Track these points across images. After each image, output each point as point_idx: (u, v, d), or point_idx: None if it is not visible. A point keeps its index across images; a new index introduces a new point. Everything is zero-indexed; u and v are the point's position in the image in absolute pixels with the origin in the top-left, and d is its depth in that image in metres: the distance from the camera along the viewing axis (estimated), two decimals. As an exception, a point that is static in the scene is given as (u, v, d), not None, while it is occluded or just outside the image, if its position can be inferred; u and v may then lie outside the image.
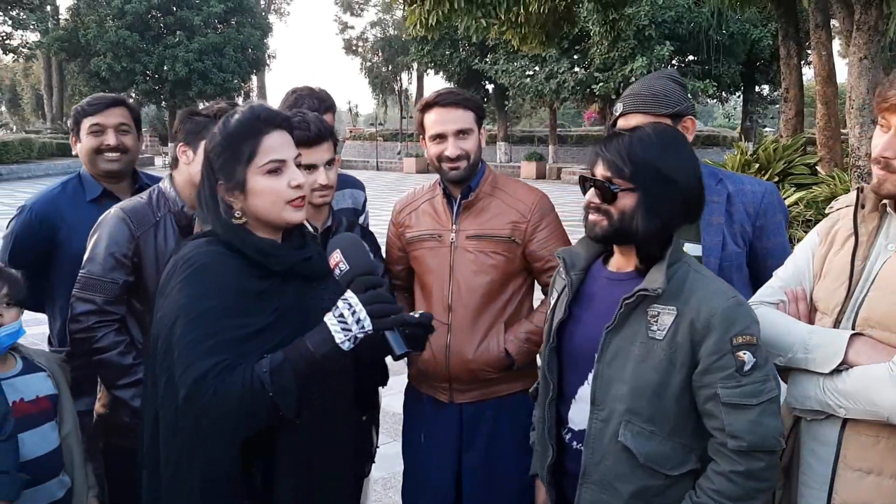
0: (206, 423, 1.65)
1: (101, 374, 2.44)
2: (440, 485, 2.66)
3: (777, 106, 30.28)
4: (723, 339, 1.72)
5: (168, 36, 37.07)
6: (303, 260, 1.85)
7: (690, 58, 29.89)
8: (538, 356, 2.12)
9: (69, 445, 2.40)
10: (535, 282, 2.75)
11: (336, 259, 1.79)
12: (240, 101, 46.66)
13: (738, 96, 37.91)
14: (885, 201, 1.81)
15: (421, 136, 2.73)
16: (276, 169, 1.79)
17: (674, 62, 28.43)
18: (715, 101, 33.23)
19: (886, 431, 1.70)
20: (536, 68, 29.06)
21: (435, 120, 2.62)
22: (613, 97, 26.00)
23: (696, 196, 1.88)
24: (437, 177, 2.77)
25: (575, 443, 1.95)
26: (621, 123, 2.39)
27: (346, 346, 1.69)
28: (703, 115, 67.06)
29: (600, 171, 1.86)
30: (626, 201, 1.82)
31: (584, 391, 1.92)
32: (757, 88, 34.48)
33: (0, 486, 2.04)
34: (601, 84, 25.94)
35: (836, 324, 1.82)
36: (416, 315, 1.88)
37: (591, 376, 1.88)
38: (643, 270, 1.86)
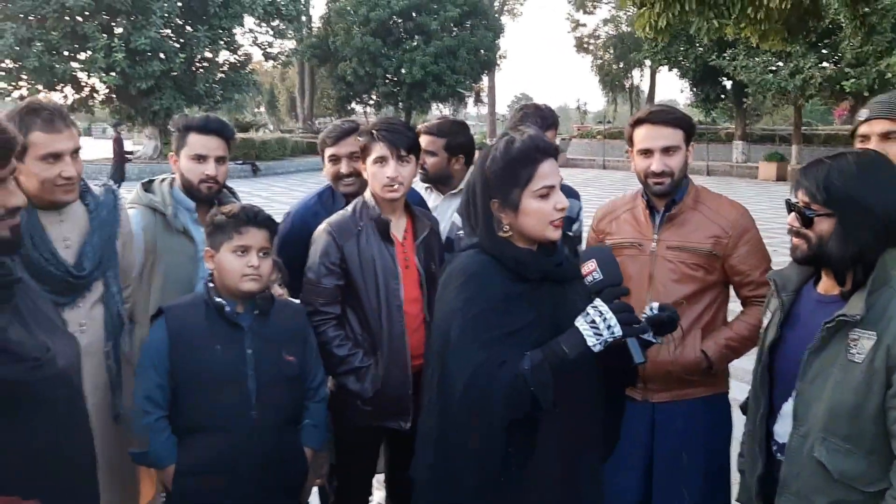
0: (479, 410, 1.92)
1: (325, 362, 2.79)
2: (629, 482, 2.77)
3: None
4: None
5: (407, 41, 39.05)
6: (555, 266, 2.08)
7: (961, 50, 26.69)
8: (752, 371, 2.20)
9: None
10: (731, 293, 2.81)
11: (591, 268, 1.98)
12: (470, 101, 48.16)
13: None
14: None
15: (629, 149, 2.86)
16: (546, 194, 2.02)
17: (941, 55, 25.52)
18: None
19: None
20: (780, 63, 27.30)
21: (644, 135, 2.75)
22: (866, 94, 23.84)
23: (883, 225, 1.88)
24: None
25: (780, 454, 2.04)
26: (864, 129, 2.44)
27: (596, 349, 1.90)
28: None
29: (800, 196, 1.95)
30: (823, 226, 1.90)
31: (788, 407, 2.00)
32: None
33: (318, 437, 2.67)
34: (853, 80, 23.87)
35: None
36: (656, 311, 2.09)
37: (794, 394, 1.96)
38: (847, 294, 1.91)
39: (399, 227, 2.89)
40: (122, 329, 2.68)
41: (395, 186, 2.77)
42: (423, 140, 3.38)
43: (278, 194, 20.52)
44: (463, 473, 1.99)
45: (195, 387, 2.42)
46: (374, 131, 2.78)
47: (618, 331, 1.89)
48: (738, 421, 2.45)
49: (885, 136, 2.39)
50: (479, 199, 2.07)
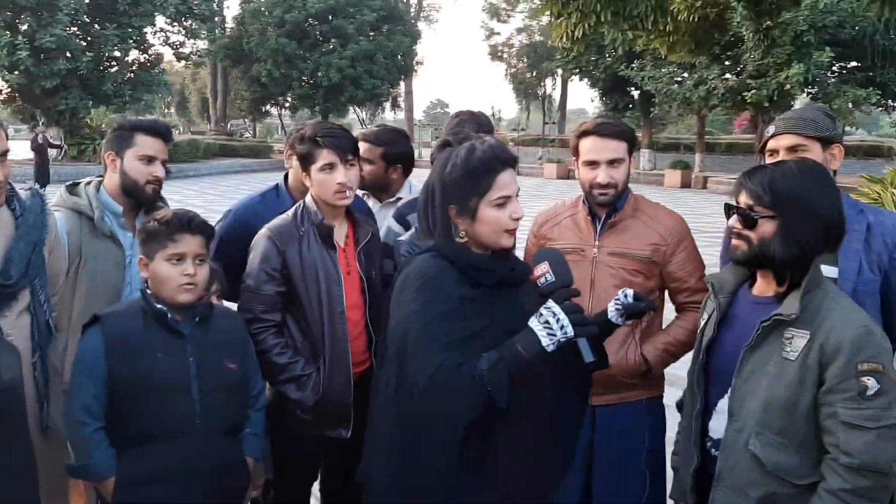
0: (438, 412, 1.95)
1: (264, 371, 2.75)
2: (570, 485, 2.79)
3: (950, 115, 28.17)
4: (849, 363, 1.86)
5: (323, 44, 38.76)
6: (509, 271, 2.13)
7: (853, 64, 28.19)
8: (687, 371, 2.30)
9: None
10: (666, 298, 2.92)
11: (543, 269, 2.04)
12: (388, 106, 48.13)
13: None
14: None
15: (574, 159, 2.93)
16: (503, 203, 2.06)
17: (834, 69, 26.95)
18: (880, 109, 31.20)
19: None
20: (685, 74, 28.31)
21: (590, 147, 2.82)
22: (766, 105, 25.00)
23: (836, 226, 2.02)
24: (577, 189, 2.97)
25: (714, 450, 2.13)
26: (772, 144, 2.54)
27: (550, 349, 1.95)
28: (867, 124, 62.96)
29: (743, 199, 2.04)
30: (766, 228, 1.99)
31: (724, 404, 2.10)
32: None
33: (259, 447, 2.65)
34: (753, 91, 24.96)
35: None
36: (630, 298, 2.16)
37: (730, 391, 2.06)
38: (782, 295, 2.01)
39: (341, 232, 2.87)
40: (50, 339, 2.59)
41: (346, 192, 2.76)
42: (361, 147, 3.37)
43: (190, 197, 20.02)
44: (422, 475, 2.01)
45: (137, 396, 2.36)
46: (318, 138, 2.75)
47: (570, 330, 1.95)
48: (672, 422, 2.55)
49: (792, 150, 2.49)
50: (438, 205, 2.10)
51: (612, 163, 2.79)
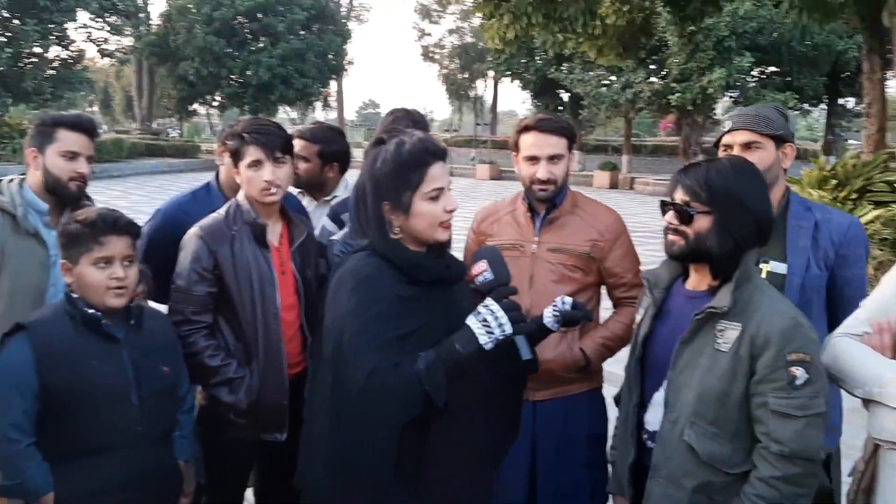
0: (375, 412, 1.93)
1: (195, 375, 2.69)
2: (514, 481, 2.84)
3: (862, 119, 29.41)
4: (779, 354, 1.92)
5: (253, 42, 38.17)
6: (445, 268, 2.12)
7: (772, 69, 29.27)
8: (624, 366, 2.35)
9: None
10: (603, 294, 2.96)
11: (482, 268, 2.05)
12: (319, 105, 47.72)
13: (822, 109, 36.89)
14: None
15: (515, 154, 2.95)
16: (436, 196, 2.05)
17: (754, 73, 27.88)
18: (797, 113, 32.42)
19: None
20: (612, 78, 28.90)
21: (531, 143, 2.85)
22: (690, 108, 25.68)
23: (767, 221, 2.09)
24: (514, 188, 2.99)
25: (650, 442, 2.17)
26: (727, 139, 2.59)
27: (488, 347, 1.96)
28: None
29: (679, 195, 2.08)
30: (702, 223, 2.04)
31: (659, 396, 2.14)
32: (841, 101, 33.51)
33: (189, 449, 2.58)
34: (678, 95, 25.62)
35: None
36: (568, 305, 2.20)
37: (665, 383, 2.10)
38: (715, 289, 2.07)
39: (274, 231, 2.82)
40: None
41: (273, 190, 2.71)
42: (297, 144, 3.33)
43: (115, 198, 19.45)
44: (359, 478, 1.99)
45: (73, 408, 2.24)
46: (245, 134, 2.70)
47: (508, 328, 1.96)
48: (613, 416, 2.59)
49: (747, 147, 2.54)
50: (370, 201, 2.07)
51: (552, 158, 2.82)
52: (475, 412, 2.12)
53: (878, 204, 8.72)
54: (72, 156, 2.80)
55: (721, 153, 2.60)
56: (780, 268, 2.52)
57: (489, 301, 2.00)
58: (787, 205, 2.61)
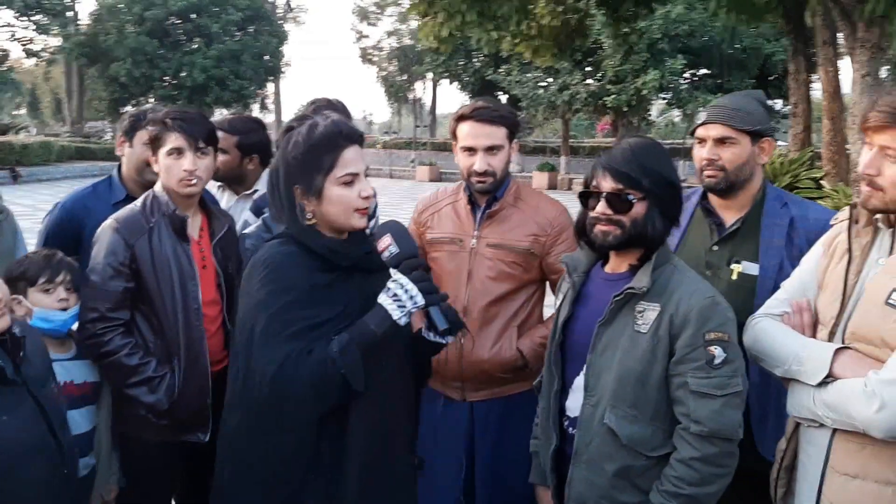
0: (288, 403, 1.86)
1: (111, 375, 2.59)
2: (451, 482, 2.78)
3: (789, 120, 30.33)
4: (697, 333, 1.92)
5: (187, 43, 37.50)
6: (364, 255, 2.05)
7: (703, 71, 29.98)
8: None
9: (101, 431, 2.61)
10: (547, 290, 2.86)
11: (387, 242, 1.99)
12: (256, 107, 47.08)
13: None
14: (877, 216, 1.90)
15: (454, 144, 2.84)
16: (350, 181, 1.98)
17: (686, 75, 28.51)
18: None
19: (870, 439, 1.78)
20: (550, 80, 29.21)
21: (468, 133, 2.73)
22: (625, 109, 26.12)
23: (682, 197, 2.10)
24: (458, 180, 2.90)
25: (571, 429, 2.14)
26: (700, 132, 2.51)
27: (402, 322, 1.92)
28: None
29: (609, 184, 2.02)
30: (638, 209, 2.01)
31: (580, 381, 2.11)
32: (769, 103, 34.50)
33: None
34: (613, 96, 26.06)
35: (832, 336, 1.93)
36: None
37: (586, 367, 2.07)
38: (635, 269, 2.05)
39: (194, 224, 2.73)
40: None
41: (193, 180, 2.61)
42: None
43: (43, 203, 18.84)
44: (270, 474, 1.92)
45: None
46: (167, 120, 2.60)
47: (420, 300, 1.93)
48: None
49: (720, 142, 2.45)
50: (283, 185, 2.01)
51: (489, 149, 2.71)
52: (393, 396, 2.07)
53: (804, 200, 8.97)
54: None
55: (696, 146, 2.54)
56: (751, 268, 2.45)
57: (397, 275, 1.95)
58: (762, 200, 2.53)
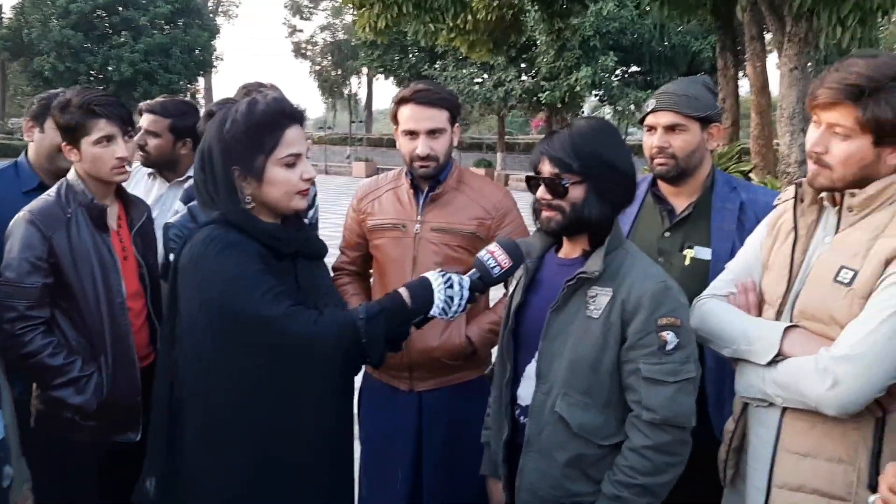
0: (311, 359, 1.80)
1: (34, 377, 2.47)
2: (401, 472, 2.73)
3: (718, 116, 31.06)
4: (649, 318, 1.88)
5: (113, 36, 36.40)
6: (304, 241, 1.97)
7: (634, 68, 30.47)
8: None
9: (9, 437, 2.44)
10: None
11: (504, 261, 2.02)
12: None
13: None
14: (822, 195, 1.90)
15: (395, 128, 2.77)
16: (293, 162, 1.88)
17: (618, 72, 28.93)
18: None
19: (820, 418, 1.78)
20: (485, 76, 29.31)
21: (409, 116, 2.67)
22: (559, 106, 26.35)
23: (634, 179, 2.05)
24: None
25: (523, 418, 2.09)
26: (650, 120, 2.49)
27: (434, 316, 1.92)
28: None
29: (547, 168, 1.98)
30: (577, 193, 1.96)
31: (531, 368, 2.06)
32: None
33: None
34: (547, 93, 26.24)
35: (779, 315, 1.93)
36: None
37: (537, 354, 2.02)
38: (588, 254, 2.01)
39: (112, 214, 2.60)
40: None
41: (127, 168, 2.50)
42: (145, 120, 3.10)
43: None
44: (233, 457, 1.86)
45: None
46: (95, 107, 2.46)
47: (456, 312, 1.94)
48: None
49: (670, 129, 2.45)
50: (218, 168, 1.88)
51: (431, 133, 2.66)
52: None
53: (733, 192, 9.15)
54: None
55: (645, 133, 2.52)
56: (704, 253, 2.44)
57: (465, 281, 1.94)
58: (711, 185, 2.53)
